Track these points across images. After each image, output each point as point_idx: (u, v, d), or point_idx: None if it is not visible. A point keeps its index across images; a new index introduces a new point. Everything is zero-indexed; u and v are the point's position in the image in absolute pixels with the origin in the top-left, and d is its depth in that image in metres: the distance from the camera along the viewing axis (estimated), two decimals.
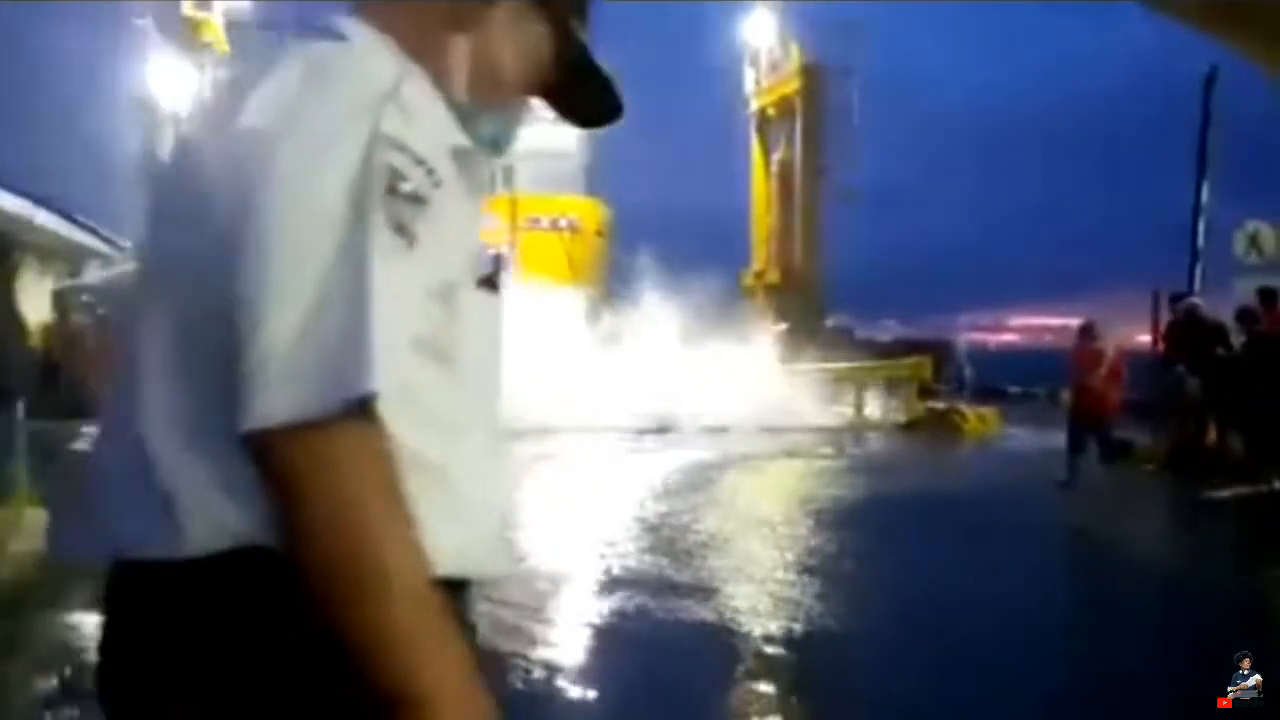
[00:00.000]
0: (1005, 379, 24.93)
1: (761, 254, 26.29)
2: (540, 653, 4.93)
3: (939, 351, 21.24)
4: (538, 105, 1.27)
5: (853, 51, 24.77)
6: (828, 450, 14.61)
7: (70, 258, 20.19)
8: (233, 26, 23.99)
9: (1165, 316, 13.82)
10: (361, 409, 0.92)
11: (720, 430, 15.67)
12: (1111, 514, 9.77)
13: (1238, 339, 11.85)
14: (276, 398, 0.91)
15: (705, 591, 6.26)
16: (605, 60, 1.25)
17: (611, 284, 24.24)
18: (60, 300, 17.81)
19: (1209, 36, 14.37)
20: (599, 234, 25.29)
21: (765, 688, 4.73)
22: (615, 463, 12.96)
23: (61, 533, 1.14)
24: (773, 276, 25.59)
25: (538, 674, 4.64)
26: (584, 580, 6.48)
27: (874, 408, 18.99)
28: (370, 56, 1.05)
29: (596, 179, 25.59)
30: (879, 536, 8.37)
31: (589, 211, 24.93)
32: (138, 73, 22.12)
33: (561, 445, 13.10)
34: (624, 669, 5.01)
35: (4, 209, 14.72)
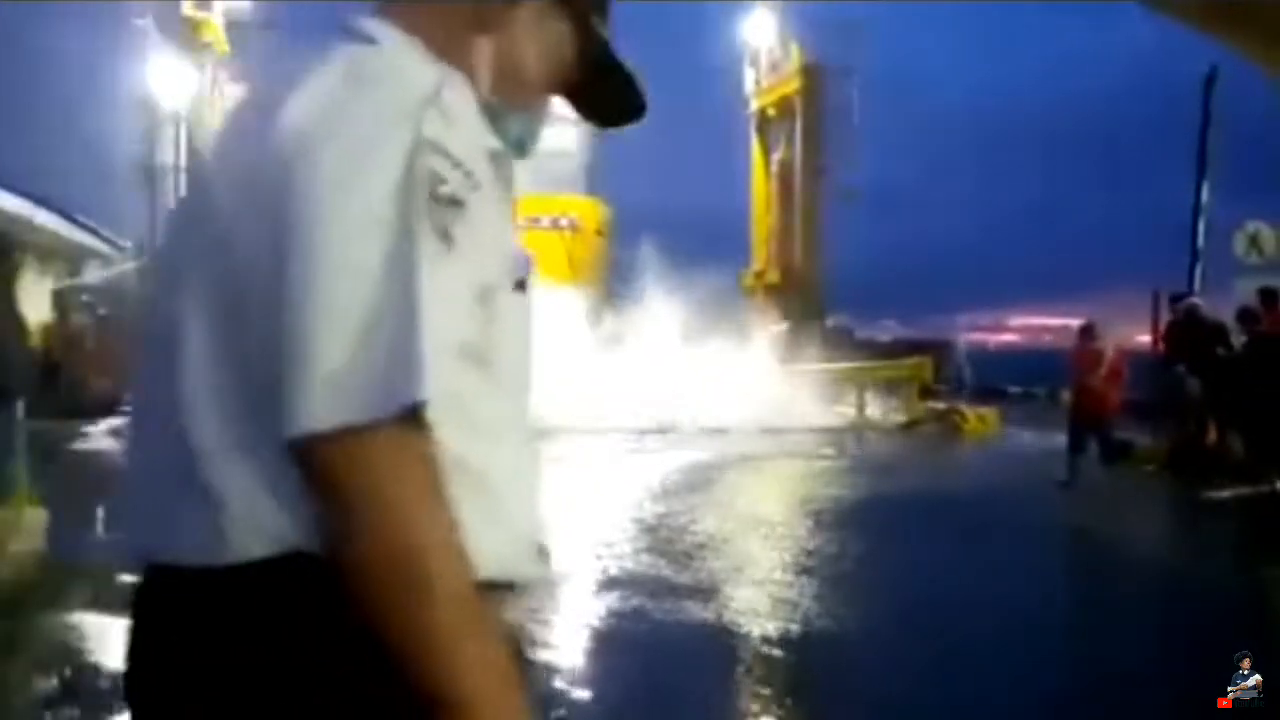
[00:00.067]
0: (1005, 379, 24.90)
1: (761, 254, 26.30)
2: (539, 654, 4.92)
3: (939, 352, 21.25)
4: (556, 105, 1.26)
5: (853, 51, 24.80)
6: (828, 450, 14.60)
7: (70, 258, 20.19)
8: (233, 26, 24.00)
9: (1165, 316, 13.81)
10: (409, 414, 0.92)
11: (720, 431, 15.68)
12: (1112, 514, 9.78)
13: (1238, 339, 11.86)
14: (325, 404, 0.91)
15: (705, 592, 6.25)
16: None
17: (612, 283, 24.27)
18: (60, 300, 17.84)
19: (1209, 36, 14.38)
20: (599, 233, 25.28)
21: (765, 688, 4.72)
22: (615, 463, 12.96)
23: (94, 536, 1.14)
24: (773, 276, 25.60)
25: (537, 675, 4.63)
26: (583, 581, 6.48)
27: (874, 408, 18.98)
28: (409, 60, 1.05)
29: (597, 178, 25.57)
30: (879, 537, 8.36)
31: (589, 211, 24.92)
32: (138, 73, 22.09)
33: (561, 445, 13.11)
34: (623, 670, 5.00)
35: (4, 209, 14.72)
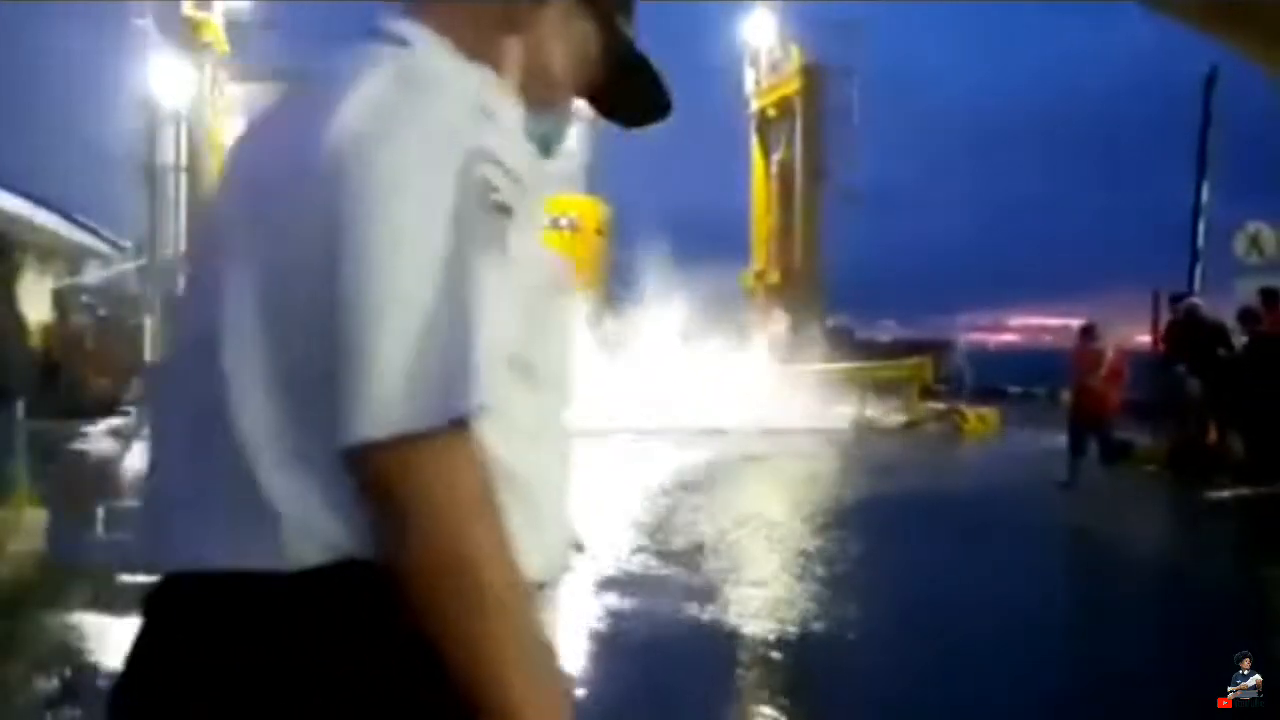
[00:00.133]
0: (1005, 379, 24.92)
1: (762, 254, 26.29)
2: None
3: (939, 352, 21.30)
4: (578, 107, 1.25)
5: (853, 51, 24.80)
6: (828, 451, 14.61)
7: (70, 258, 20.21)
8: (233, 26, 23.96)
9: (1165, 316, 13.82)
10: (462, 423, 0.92)
11: (720, 431, 15.66)
12: (1112, 514, 9.78)
13: (1239, 339, 11.86)
14: (381, 412, 0.91)
15: (705, 592, 6.25)
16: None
17: (611, 283, 24.26)
18: (60, 300, 17.84)
19: (1209, 36, 14.39)
20: (599, 233, 25.26)
21: (764, 689, 4.73)
22: (615, 463, 12.96)
23: (121, 541, 1.12)
24: (773, 276, 25.60)
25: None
26: (582, 581, 6.48)
27: (874, 408, 18.98)
28: (453, 64, 1.04)
29: (596, 178, 25.56)
30: (879, 537, 8.36)
31: (589, 210, 24.89)
32: (138, 73, 22.06)
33: None
34: (622, 670, 5.00)
35: (4, 209, 14.74)
